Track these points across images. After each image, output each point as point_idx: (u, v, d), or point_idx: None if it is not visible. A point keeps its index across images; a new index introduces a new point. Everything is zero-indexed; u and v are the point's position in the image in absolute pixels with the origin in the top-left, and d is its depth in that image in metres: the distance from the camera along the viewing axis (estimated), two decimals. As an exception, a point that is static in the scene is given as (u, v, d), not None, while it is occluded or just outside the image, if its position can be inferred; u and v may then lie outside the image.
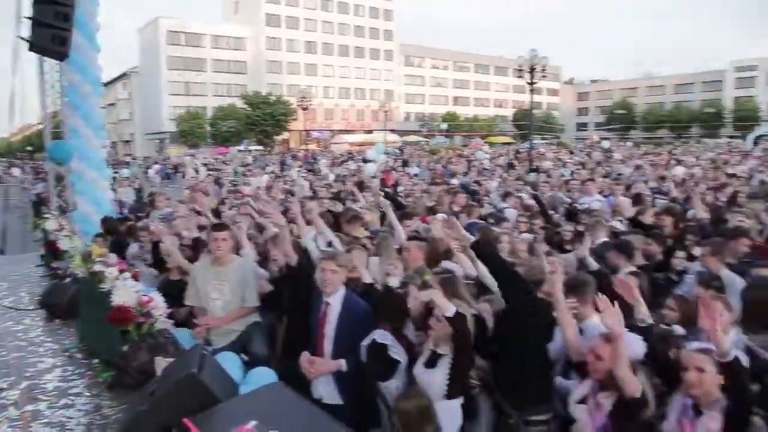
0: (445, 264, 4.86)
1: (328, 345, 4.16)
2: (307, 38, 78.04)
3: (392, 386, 3.80)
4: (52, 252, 9.18)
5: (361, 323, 4.09)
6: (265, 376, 3.60)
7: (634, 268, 4.85)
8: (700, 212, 7.97)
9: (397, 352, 3.85)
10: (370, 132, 70.66)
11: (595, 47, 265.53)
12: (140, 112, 74.72)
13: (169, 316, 4.78)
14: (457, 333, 3.43)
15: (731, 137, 63.74)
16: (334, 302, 4.17)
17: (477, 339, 3.64)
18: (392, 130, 67.08)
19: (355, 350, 4.00)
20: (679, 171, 16.91)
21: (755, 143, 41.41)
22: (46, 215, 10.55)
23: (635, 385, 2.98)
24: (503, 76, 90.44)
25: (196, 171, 30.43)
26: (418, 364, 3.67)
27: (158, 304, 4.69)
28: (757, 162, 20.24)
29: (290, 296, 4.82)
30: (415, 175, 20.35)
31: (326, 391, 4.12)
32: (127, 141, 77.49)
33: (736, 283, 4.62)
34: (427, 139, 66.89)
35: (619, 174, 16.92)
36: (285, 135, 67.54)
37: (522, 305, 3.63)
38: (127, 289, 4.70)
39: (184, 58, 70.16)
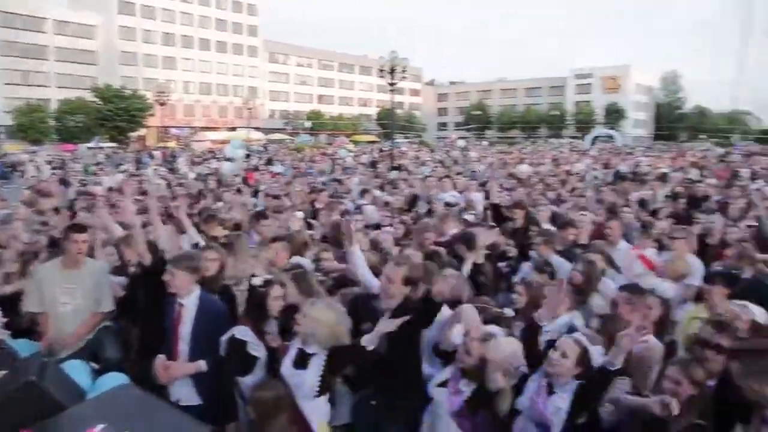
0: (296, 259, 4.98)
1: (183, 346, 4.07)
2: (165, 30, 73.90)
3: (250, 381, 3.82)
4: None
5: (219, 323, 4.07)
6: (116, 380, 3.49)
7: (477, 258, 5.29)
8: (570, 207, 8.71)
9: (257, 348, 3.89)
10: (233, 129, 68.52)
11: (457, 49, 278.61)
12: (-34, 103, 66.51)
13: (6, 326, 4.43)
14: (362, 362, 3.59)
15: (573, 137, 70.23)
16: (189, 303, 4.09)
17: None
18: (256, 128, 65.67)
19: (213, 350, 3.97)
20: (525, 168, 18.34)
21: (592, 143, 46.38)
22: None
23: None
24: (367, 75, 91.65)
25: (38, 169, 27.82)
26: (286, 363, 3.63)
27: (-9, 313, 4.33)
28: (591, 161, 22.58)
29: (144, 297, 4.67)
30: (279, 173, 20.21)
31: (183, 393, 4.03)
32: (-49, 136, 68.74)
33: (564, 267, 5.21)
34: (291, 138, 66.31)
35: (473, 171, 18.02)
36: (141, 131, 63.57)
37: (431, 305, 3.78)
38: (-46, 300, 4.29)
39: (21, 43, 63.33)
